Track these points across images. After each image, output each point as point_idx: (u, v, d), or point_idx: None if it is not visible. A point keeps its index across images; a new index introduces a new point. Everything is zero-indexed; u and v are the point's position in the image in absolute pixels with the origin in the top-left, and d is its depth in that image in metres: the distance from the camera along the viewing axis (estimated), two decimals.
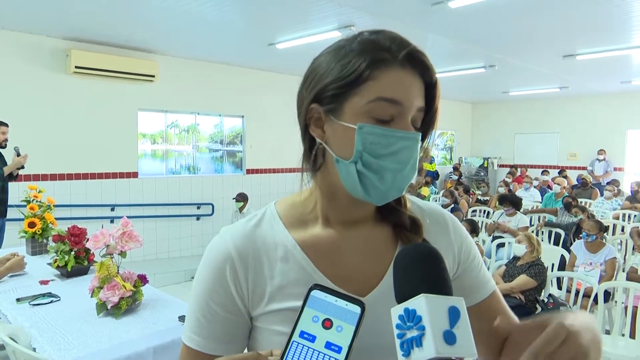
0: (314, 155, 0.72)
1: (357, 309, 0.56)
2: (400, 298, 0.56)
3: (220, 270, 0.71)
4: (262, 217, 0.76)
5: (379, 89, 0.65)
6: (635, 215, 6.33)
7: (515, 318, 0.83)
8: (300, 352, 0.55)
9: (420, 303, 0.52)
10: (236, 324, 0.72)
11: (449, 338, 0.50)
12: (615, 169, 9.96)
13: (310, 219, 0.75)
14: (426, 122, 0.70)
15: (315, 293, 0.58)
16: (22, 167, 4.54)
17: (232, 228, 0.75)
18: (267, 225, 0.75)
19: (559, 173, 9.65)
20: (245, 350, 0.74)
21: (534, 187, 8.52)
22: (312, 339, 0.55)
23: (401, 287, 0.57)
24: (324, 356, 0.54)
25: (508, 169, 10.89)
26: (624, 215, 6.60)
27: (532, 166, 11.36)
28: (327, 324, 0.56)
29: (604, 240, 4.29)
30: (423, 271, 0.57)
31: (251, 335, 0.74)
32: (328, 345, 0.55)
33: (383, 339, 0.66)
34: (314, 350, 0.55)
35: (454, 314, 0.52)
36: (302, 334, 0.56)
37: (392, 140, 0.65)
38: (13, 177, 4.59)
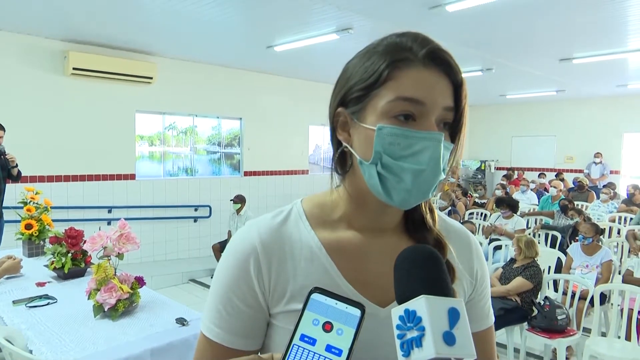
0: (342, 159, 0.73)
1: (357, 312, 0.57)
2: (401, 299, 0.56)
3: (244, 264, 0.71)
4: (288, 214, 0.76)
5: (399, 88, 0.64)
6: (631, 218, 6.36)
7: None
8: (301, 355, 0.55)
9: (420, 304, 0.53)
10: (255, 319, 0.71)
11: (449, 339, 0.51)
12: (611, 172, 9.99)
13: (336, 221, 0.75)
14: (454, 123, 0.68)
15: (315, 296, 0.58)
16: (13, 166, 4.50)
17: (259, 222, 0.75)
18: (293, 223, 0.74)
19: (556, 176, 9.68)
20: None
21: (531, 189, 8.55)
22: (313, 342, 0.56)
23: (401, 288, 0.58)
24: (324, 359, 0.55)
25: (505, 172, 10.92)
26: (620, 218, 6.63)
27: (529, 169, 11.40)
28: (327, 327, 0.56)
29: (600, 243, 4.30)
30: (423, 273, 0.58)
31: (267, 333, 0.73)
32: (328, 348, 0.55)
33: None
34: (315, 353, 0.55)
35: (453, 315, 0.52)
36: (303, 337, 0.56)
37: (412, 140, 0.63)
38: (14, 177, 4.56)
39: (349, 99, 0.69)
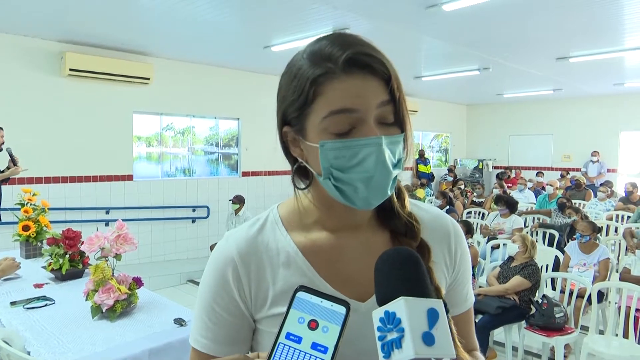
0: (304, 172, 0.74)
1: (342, 310, 0.57)
2: (381, 301, 0.57)
3: (223, 275, 0.73)
4: (264, 221, 0.78)
5: (328, 103, 0.64)
6: (628, 216, 6.38)
7: (476, 342, 0.85)
8: (287, 353, 0.55)
9: (399, 306, 0.53)
10: (239, 327, 0.74)
11: (428, 339, 0.51)
12: (608, 171, 10.03)
13: (310, 225, 0.76)
14: (396, 115, 0.68)
15: (301, 295, 0.59)
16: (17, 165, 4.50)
17: (236, 233, 0.77)
18: (269, 230, 0.76)
19: (561, 176, 9.72)
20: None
21: (528, 188, 8.57)
22: (298, 340, 0.56)
23: (382, 290, 0.58)
24: (310, 357, 0.55)
25: (503, 171, 10.94)
26: (617, 216, 6.65)
27: (526, 168, 11.42)
28: (312, 324, 0.57)
29: (597, 241, 4.31)
30: (403, 274, 0.58)
31: (254, 338, 0.75)
32: (314, 345, 0.55)
33: None
34: (300, 351, 0.55)
35: (432, 316, 0.53)
36: (288, 336, 0.56)
37: (354, 150, 0.64)
38: (6, 178, 4.55)
39: (289, 119, 0.70)
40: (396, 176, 0.68)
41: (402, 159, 0.69)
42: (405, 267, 0.59)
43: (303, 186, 0.75)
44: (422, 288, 0.57)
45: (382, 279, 0.59)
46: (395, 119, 0.68)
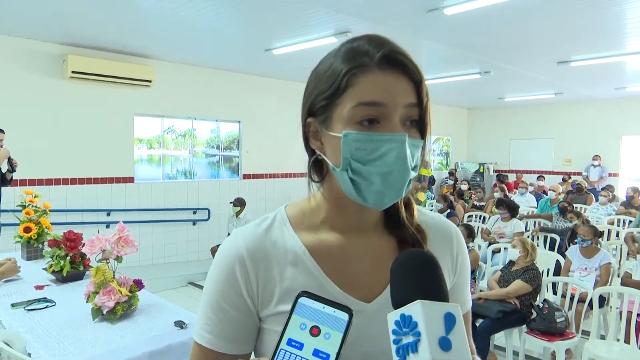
0: (319, 166, 0.75)
1: (345, 316, 0.56)
2: (397, 304, 0.56)
3: (231, 270, 0.73)
4: (272, 221, 0.78)
5: (359, 94, 0.65)
6: (630, 221, 6.37)
7: (473, 346, 0.85)
8: (288, 359, 0.55)
9: (416, 309, 0.52)
10: (245, 324, 0.73)
11: (444, 344, 0.50)
12: (610, 175, 10.02)
13: (319, 225, 0.76)
14: (420, 120, 0.69)
15: (303, 300, 0.58)
16: (14, 170, 4.49)
17: (244, 230, 0.77)
18: (277, 229, 0.76)
19: (562, 180, 9.72)
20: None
21: (529, 192, 8.55)
22: (300, 346, 0.55)
23: (398, 293, 0.57)
24: None
25: (504, 174, 10.93)
26: (618, 220, 6.64)
27: (527, 171, 11.41)
28: (314, 331, 0.56)
29: (598, 246, 4.30)
30: (419, 278, 0.57)
31: (259, 337, 0.75)
32: (316, 352, 0.55)
33: (387, 345, 0.67)
34: (302, 357, 0.55)
35: (449, 320, 0.52)
36: (290, 342, 0.56)
37: (377, 144, 0.65)
38: (7, 181, 4.55)
39: (315, 109, 0.71)
40: (411, 180, 0.68)
41: (418, 165, 0.69)
42: (422, 271, 0.58)
43: (317, 179, 0.76)
44: (439, 292, 0.56)
45: (398, 282, 0.58)
46: (419, 124, 0.69)
